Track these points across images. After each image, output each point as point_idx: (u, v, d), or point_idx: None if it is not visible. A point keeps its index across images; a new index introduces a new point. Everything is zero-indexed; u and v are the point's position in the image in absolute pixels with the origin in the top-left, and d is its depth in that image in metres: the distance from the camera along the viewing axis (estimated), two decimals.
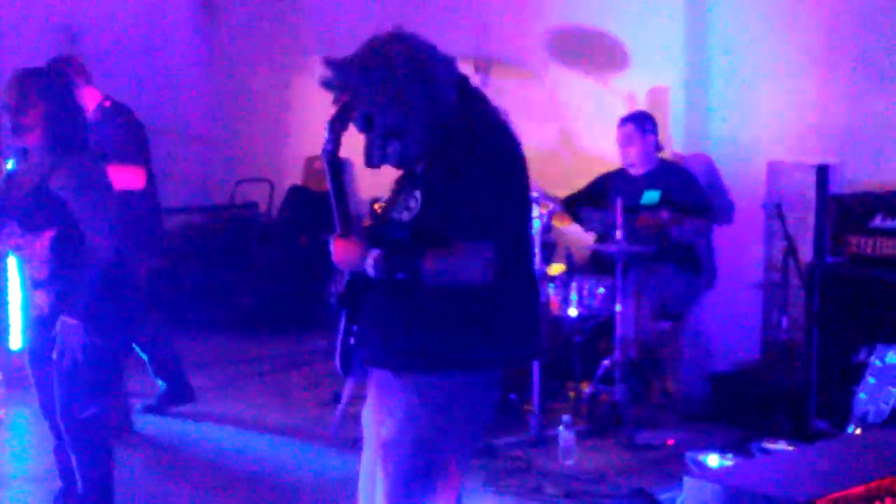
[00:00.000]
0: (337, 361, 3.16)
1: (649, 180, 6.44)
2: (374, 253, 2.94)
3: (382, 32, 2.99)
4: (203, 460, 5.56)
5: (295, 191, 9.06)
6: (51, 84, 4.09)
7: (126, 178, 5.60)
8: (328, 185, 3.06)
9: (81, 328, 3.90)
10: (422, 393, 2.93)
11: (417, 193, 2.95)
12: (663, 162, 6.52)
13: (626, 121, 6.50)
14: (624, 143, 6.47)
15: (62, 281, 3.95)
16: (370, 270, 2.96)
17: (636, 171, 6.49)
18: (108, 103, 5.89)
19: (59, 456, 4.24)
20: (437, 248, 2.87)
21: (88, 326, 3.92)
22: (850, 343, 5.20)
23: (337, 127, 2.99)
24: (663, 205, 6.31)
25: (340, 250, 3.04)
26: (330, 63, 2.97)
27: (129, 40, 8.90)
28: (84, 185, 3.97)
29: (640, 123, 6.45)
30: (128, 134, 5.84)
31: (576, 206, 6.67)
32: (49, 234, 3.93)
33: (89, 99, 5.79)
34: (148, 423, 6.01)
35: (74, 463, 4.11)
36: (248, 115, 9.56)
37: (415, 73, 2.91)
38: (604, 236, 6.40)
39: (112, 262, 3.96)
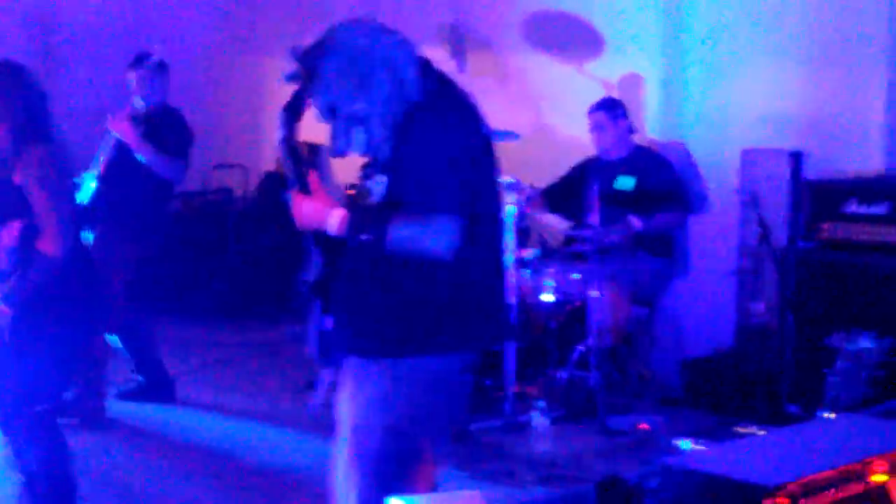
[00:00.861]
0: (313, 349, 3.15)
1: (624, 166, 6.44)
2: (340, 211, 2.92)
3: (343, 20, 2.97)
4: (176, 447, 5.54)
5: (270, 177, 9.02)
6: (15, 76, 4.04)
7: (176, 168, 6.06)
8: (287, 170, 3.04)
9: (9, 319, 3.85)
10: (394, 378, 2.92)
11: (382, 178, 2.94)
12: (638, 147, 6.53)
13: (595, 108, 6.50)
14: (596, 130, 6.48)
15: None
16: (333, 228, 2.93)
17: (611, 156, 6.49)
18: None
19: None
20: (405, 214, 2.85)
21: (47, 318, 3.88)
22: (823, 328, 5.23)
23: (289, 114, 2.98)
24: (638, 191, 6.33)
25: (303, 207, 3.01)
26: (293, 53, 2.95)
27: (103, 28, 8.84)
28: (45, 177, 3.92)
29: (611, 110, 6.46)
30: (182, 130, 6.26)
31: (555, 197, 6.68)
32: (16, 225, 3.89)
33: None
34: (121, 410, 5.98)
35: (13, 454, 4.03)
36: (222, 100, 9.50)
37: (376, 58, 2.89)
38: (578, 222, 6.42)
39: (71, 255, 3.91)
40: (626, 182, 6.40)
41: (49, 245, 3.86)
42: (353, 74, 2.88)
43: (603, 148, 6.49)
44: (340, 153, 2.99)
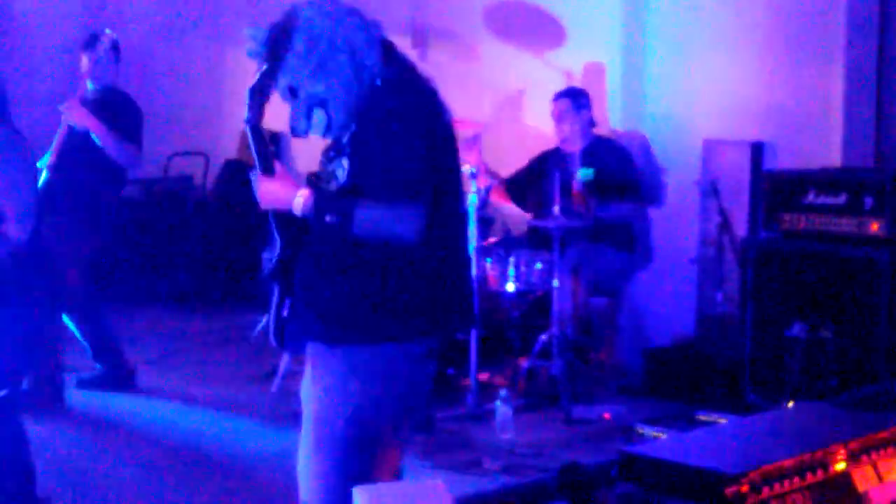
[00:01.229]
0: (271, 335, 3.13)
1: (584, 157, 6.45)
2: (305, 191, 2.90)
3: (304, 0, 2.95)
4: (136, 436, 5.50)
5: (230, 165, 8.97)
6: None
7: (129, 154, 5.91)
8: (251, 150, 3.02)
9: None
10: (355, 365, 2.90)
11: (344, 161, 2.92)
12: (598, 138, 6.54)
13: (560, 96, 6.51)
14: (558, 118, 6.49)
15: None
16: (298, 209, 2.90)
17: (571, 147, 6.50)
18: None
19: None
20: (370, 198, 2.84)
21: (4, 303, 3.83)
22: (783, 317, 5.28)
23: (256, 95, 2.95)
24: (597, 182, 6.34)
25: (268, 187, 2.98)
26: (252, 34, 2.92)
27: (61, 11, 8.75)
28: (5, 161, 3.88)
29: (575, 99, 6.47)
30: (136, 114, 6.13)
31: (517, 187, 6.69)
32: None
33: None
34: (80, 399, 5.94)
35: None
36: (182, 87, 9.43)
37: (337, 40, 2.87)
38: (541, 212, 6.43)
39: (28, 240, 3.87)
40: (585, 173, 6.41)
41: (12, 229, 3.82)
42: (314, 56, 2.86)
43: (563, 137, 6.50)
44: (300, 134, 2.96)
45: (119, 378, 6.14)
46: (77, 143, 5.79)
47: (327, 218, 2.86)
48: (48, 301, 4.09)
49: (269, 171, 2.99)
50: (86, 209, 5.89)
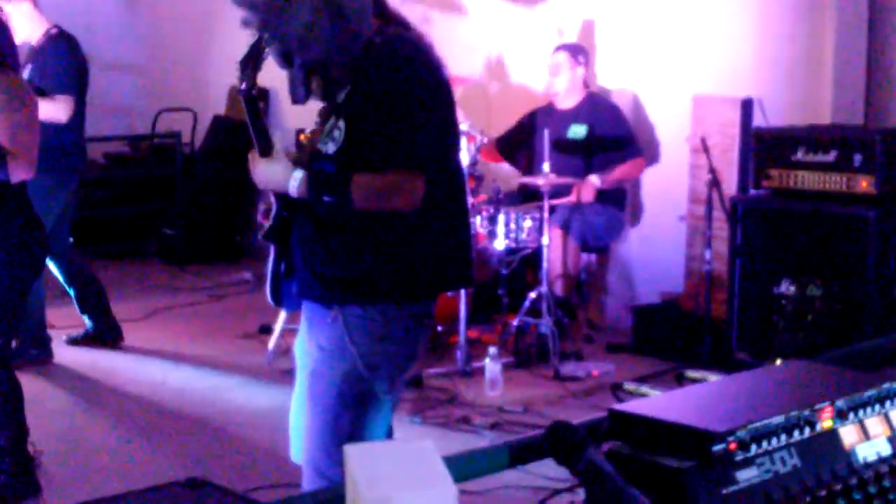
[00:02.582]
0: (268, 294, 3.12)
1: (576, 114, 6.44)
2: (299, 174, 2.89)
3: None
4: (125, 392, 5.51)
5: (218, 121, 8.93)
6: None
7: (53, 109, 5.53)
8: (247, 121, 2.99)
9: None
10: (351, 324, 2.90)
11: (342, 123, 2.89)
12: (591, 95, 6.53)
13: (559, 48, 6.50)
14: (553, 71, 6.48)
15: None
16: (294, 191, 2.90)
17: (563, 104, 6.49)
18: (54, 31, 5.82)
19: None
20: (366, 172, 2.83)
21: None
22: (771, 275, 5.29)
23: (249, 65, 2.93)
24: (589, 139, 6.34)
25: (263, 170, 2.98)
26: (241, 2, 2.88)
27: None
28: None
29: (573, 54, 6.45)
30: (68, 64, 5.75)
31: (508, 145, 6.68)
32: None
33: (37, 24, 5.78)
34: (69, 356, 5.94)
35: None
36: (170, 43, 9.37)
37: (326, 3, 2.84)
38: (531, 169, 6.43)
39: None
40: (577, 130, 6.41)
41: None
42: (306, 20, 2.83)
43: (555, 90, 6.49)
44: (300, 101, 2.94)
45: (107, 335, 6.14)
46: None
47: (324, 198, 2.86)
48: (32, 258, 4.07)
49: (266, 151, 2.97)
50: (46, 166, 5.59)
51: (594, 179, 6.23)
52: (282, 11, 2.83)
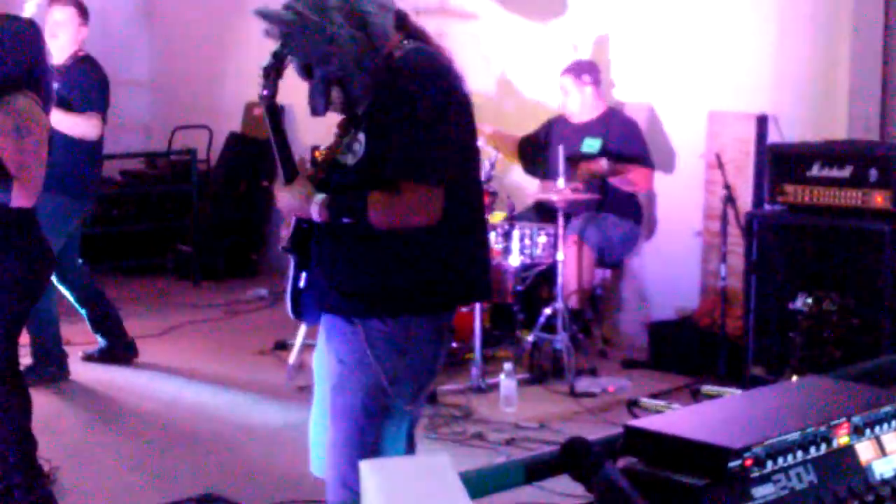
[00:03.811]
0: (288, 307, 3.13)
1: (590, 128, 6.44)
2: (319, 198, 2.90)
3: None
4: (141, 409, 5.52)
5: (234, 137, 8.96)
6: None
7: (84, 125, 5.60)
8: (269, 133, 3.01)
9: None
10: (372, 338, 2.90)
11: (361, 136, 2.90)
12: (608, 109, 6.52)
13: (563, 72, 6.49)
14: (563, 93, 6.49)
15: None
16: (315, 216, 2.91)
17: (578, 119, 6.49)
18: (82, 53, 5.87)
19: None
20: (384, 190, 2.83)
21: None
22: (787, 291, 5.27)
23: (271, 74, 2.94)
24: (603, 153, 6.33)
25: (285, 197, 2.99)
26: (263, 14, 2.90)
27: None
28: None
29: (578, 75, 6.44)
30: (98, 82, 5.80)
31: (528, 149, 6.68)
32: None
33: (72, 44, 5.82)
34: (84, 373, 5.95)
35: None
36: (186, 60, 9.41)
37: (349, 16, 2.85)
38: (546, 185, 6.43)
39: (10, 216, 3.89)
40: (591, 144, 6.41)
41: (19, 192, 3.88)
42: (327, 32, 2.84)
43: (570, 112, 6.49)
44: (319, 113, 2.95)
45: (121, 351, 6.14)
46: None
47: (344, 220, 2.87)
48: (37, 276, 4.08)
49: (291, 177, 2.98)
50: (65, 187, 5.47)
51: (603, 163, 6.19)
52: (305, 24, 2.84)
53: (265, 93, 2.95)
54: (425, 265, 2.90)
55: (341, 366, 2.97)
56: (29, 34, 4.10)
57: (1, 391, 3.96)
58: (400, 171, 2.81)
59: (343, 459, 2.94)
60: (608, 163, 6.18)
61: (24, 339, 4.83)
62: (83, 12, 5.90)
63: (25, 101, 3.95)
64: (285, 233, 3.13)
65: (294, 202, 2.96)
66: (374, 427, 2.92)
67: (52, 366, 5.76)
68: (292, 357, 5.86)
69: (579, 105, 6.44)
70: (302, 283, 3.07)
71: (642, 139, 6.42)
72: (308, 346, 4.81)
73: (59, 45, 5.72)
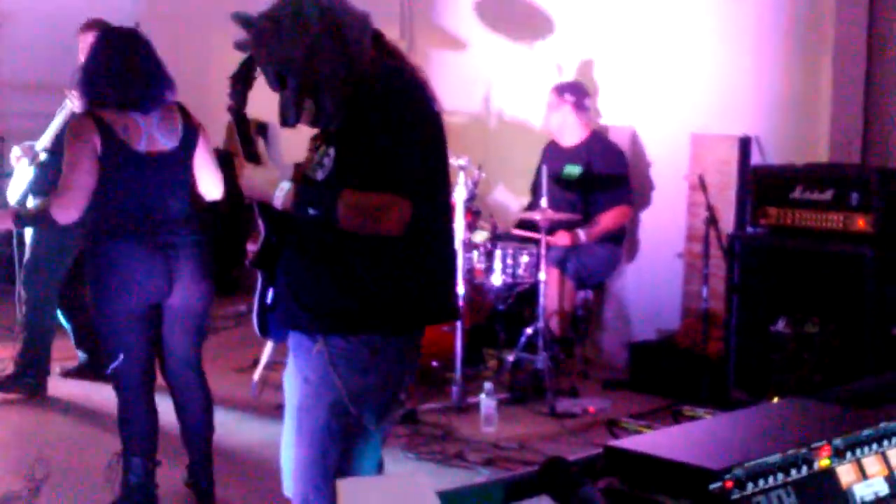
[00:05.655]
0: (255, 323, 3.10)
1: (573, 154, 6.44)
2: (287, 185, 2.87)
3: None
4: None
5: (215, 155, 8.91)
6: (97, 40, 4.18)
7: None
8: (237, 136, 2.99)
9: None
10: (336, 356, 2.87)
11: (331, 151, 2.89)
12: (594, 135, 6.52)
13: (552, 88, 6.52)
14: (547, 108, 6.50)
15: None
16: (279, 202, 2.88)
17: (565, 142, 6.51)
18: None
19: None
20: (355, 190, 2.81)
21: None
22: (768, 313, 5.28)
23: (239, 82, 2.93)
24: (583, 180, 6.33)
25: (250, 176, 2.95)
26: (239, 19, 2.89)
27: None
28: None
29: (559, 92, 6.47)
30: None
31: (533, 188, 6.67)
32: None
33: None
34: (65, 387, 5.91)
35: None
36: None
37: (327, 28, 2.84)
38: (529, 204, 6.44)
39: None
40: (571, 170, 6.41)
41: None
42: (301, 44, 2.83)
43: (550, 129, 6.51)
44: (289, 123, 2.93)
45: (100, 367, 6.11)
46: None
47: (310, 210, 2.84)
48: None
49: (252, 157, 2.96)
50: None
51: (581, 235, 6.22)
52: (283, 32, 2.83)
53: (232, 101, 2.94)
54: (390, 283, 2.87)
55: (306, 385, 2.94)
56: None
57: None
58: (369, 181, 2.78)
59: (308, 481, 2.91)
60: (584, 233, 6.20)
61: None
62: None
63: (73, 119, 4.15)
64: (253, 248, 3.10)
65: (258, 182, 2.93)
66: (339, 448, 2.89)
67: (31, 378, 5.74)
68: (256, 374, 5.84)
69: (558, 123, 6.45)
70: (269, 300, 3.05)
71: (624, 168, 6.42)
72: (281, 364, 4.80)
73: None
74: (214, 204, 4.44)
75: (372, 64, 2.89)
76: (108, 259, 4.04)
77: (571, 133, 6.48)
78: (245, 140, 2.97)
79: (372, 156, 2.79)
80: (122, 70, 4.06)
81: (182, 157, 4.19)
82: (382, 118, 2.79)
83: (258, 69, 2.91)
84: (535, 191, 6.66)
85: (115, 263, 4.04)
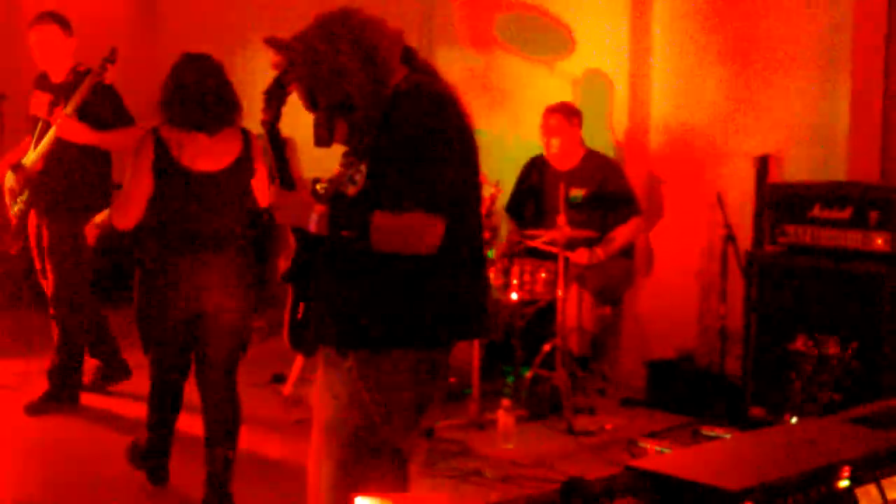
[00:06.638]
0: (286, 337, 3.12)
1: (573, 178, 6.41)
2: (321, 208, 2.89)
3: (328, 10, 2.95)
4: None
5: None
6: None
7: (129, 139, 5.54)
8: (270, 153, 3.01)
9: None
10: (365, 372, 2.89)
11: (363, 167, 2.91)
12: (588, 154, 6.51)
13: (553, 110, 6.49)
14: (549, 132, 6.47)
15: None
16: (314, 225, 2.89)
17: (560, 165, 6.48)
18: (82, 68, 5.83)
19: None
20: (386, 210, 2.82)
21: None
22: (786, 332, 5.26)
23: (273, 98, 2.96)
24: (589, 202, 6.33)
25: (283, 204, 2.98)
26: (272, 43, 2.92)
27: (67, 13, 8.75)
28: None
29: (568, 116, 6.46)
30: (117, 96, 5.84)
31: (518, 209, 6.68)
32: None
33: (68, 59, 5.81)
34: (85, 401, 5.95)
35: None
36: None
37: (356, 50, 2.87)
38: (546, 222, 6.44)
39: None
40: (576, 194, 6.39)
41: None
42: (333, 63, 2.86)
43: (552, 152, 6.48)
44: (324, 144, 2.95)
45: (117, 371, 6.15)
46: (63, 145, 5.66)
47: (343, 233, 2.86)
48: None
49: (287, 184, 2.98)
50: (82, 209, 5.60)
51: (599, 253, 6.23)
52: (314, 53, 2.86)
53: (266, 117, 2.96)
54: (420, 299, 2.88)
55: (335, 401, 2.96)
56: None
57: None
58: (400, 199, 2.80)
59: (332, 497, 2.92)
60: (603, 251, 6.20)
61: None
62: (65, 24, 5.85)
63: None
64: (285, 264, 3.13)
65: (294, 208, 2.95)
66: (364, 463, 2.91)
67: (67, 390, 5.86)
68: (288, 388, 5.84)
69: (567, 146, 6.44)
70: (300, 315, 3.06)
71: (625, 182, 6.41)
72: (306, 380, 4.81)
73: (56, 63, 5.77)
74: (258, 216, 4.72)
75: (403, 81, 2.91)
76: (153, 268, 4.36)
77: (572, 156, 6.47)
78: (280, 165, 2.99)
79: (403, 173, 2.80)
80: (193, 93, 4.31)
81: (232, 179, 4.37)
82: (412, 136, 2.81)
83: (289, 85, 2.94)
84: (519, 210, 6.64)
85: (159, 273, 4.34)
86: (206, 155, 4.31)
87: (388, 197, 2.82)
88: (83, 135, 5.64)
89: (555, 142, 6.46)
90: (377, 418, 2.89)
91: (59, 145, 5.66)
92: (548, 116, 6.48)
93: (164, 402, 4.68)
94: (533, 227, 6.42)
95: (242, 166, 4.39)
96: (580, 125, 6.48)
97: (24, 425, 5.68)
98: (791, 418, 4.74)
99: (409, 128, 2.83)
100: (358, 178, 2.90)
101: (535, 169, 6.60)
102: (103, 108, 5.69)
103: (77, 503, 4.71)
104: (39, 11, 5.91)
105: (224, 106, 4.33)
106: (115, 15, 9.09)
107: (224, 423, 4.55)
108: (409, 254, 2.82)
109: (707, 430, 5.43)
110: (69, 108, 5.58)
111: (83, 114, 5.62)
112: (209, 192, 4.32)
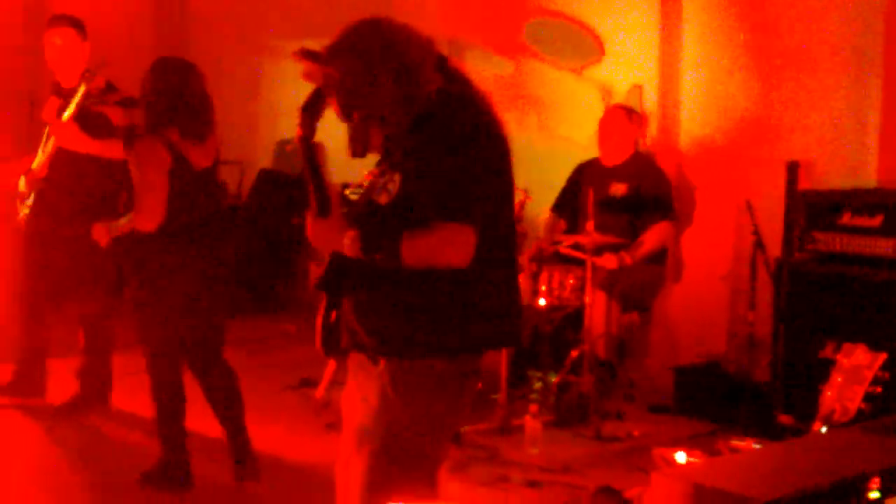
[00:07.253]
0: (318, 342, 3.13)
1: (618, 172, 6.46)
2: (353, 233, 2.91)
3: (358, 20, 2.96)
4: None
5: (264, 173, 9.02)
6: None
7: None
8: (305, 170, 3.02)
9: None
10: (398, 379, 2.90)
11: (396, 176, 2.92)
12: (637, 154, 6.54)
13: (616, 107, 6.57)
14: (607, 126, 6.52)
15: None
16: (347, 250, 2.92)
17: (609, 161, 6.52)
18: (90, 74, 5.78)
19: None
20: (417, 228, 2.84)
21: None
22: (816, 339, 5.23)
23: (309, 112, 2.97)
24: (629, 197, 6.34)
25: (317, 229, 3.00)
26: (307, 55, 2.93)
27: (93, 18, 8.82)
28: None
29: (629, 114, 6.53)
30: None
31: (565, 208, 6.69)
32: None
33: (78, 64, 5.75)
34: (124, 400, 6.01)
35: None
36: (219, 99, 9.45)
37: (390, 58, 2.87)
38: (569, 225, 6.48)
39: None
40: (618, 188, 6.42)
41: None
42: (368, 75, 2.87)
43: (606, 148, 6.52)
44: (359, 155, 2.96)
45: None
46: (66, 150, 5.66)
47: (377, 257, 2.87)
48: None
49: (324, 209, 2.98)
50: (89, 215, 5.45)
51: (626, 258, 6.23)
52: (346, 66, 2.87)
53: (302, 132, 2.96)
54: (453, 307, 2.89)
55: (366, 406, 2.97)
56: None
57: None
58: (433, 210, 2.81)
59: (363, 502, 2.94)
60: (631, 256, 6.21)
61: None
62: (80, 27, 5.81)
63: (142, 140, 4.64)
64: (318, 270, 3.14)
65: (326, 235, 2.97)
66: (396, 469, 2.92)
67: (95, 390, 5.91)
68: (320, 392, 5.87)
69: (621, 141, 6.47)
70: (332, 320, 3.08)
71: (667, 186, 6.42)
72: (336, 384, 4.83)
73: (68, 67, 5.75)
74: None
75: (436, 91, 2.91)
76: (162, 258, 4.70)
77: (621, 153, 6.51)
78: (317, 184, 2.96)
79: (436, 179, 2.81)
80: (184, 101, 4.74)
81: (214, 173, 4.95)
82: (447, 143, 2.82)
83: (326, 99, 2.94)
84: (568, 210, 6.66)
85: (169, 261, 4.71)
86: (203, 152, 4.80)
87: (421, 208, 2.82)
88: (81, 142, 5.61)
89: (612, 139, 6.49)
90: (408, 424, 2.90)
91: (63, 151, 5.65)
92: (610, 112, 6.52)
93: (172, 395, 4.90)
94: (570, 230, 6.43)
95: (216, 163, 4.93)
96: (639, 126, 6.52)
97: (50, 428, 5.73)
98: (821, 428, 4.71)
99: (441, 137, 2.83)
100: (391, 187, 2.91)
101: (584, 172, 6.62)
102: (101, 117, 5.67)
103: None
104: (56, 14, 5.91)
105: (213, 112, 4.94)
106: (142, 20, 9.15)
107: (224, 390, 5.05)
108: (444, 267, 2.83)
109: (737, 441, 5.40)
110: (66, 116, 5.57)
111: (84, 122, 5.60)
112: (208, 187, 4.85)
